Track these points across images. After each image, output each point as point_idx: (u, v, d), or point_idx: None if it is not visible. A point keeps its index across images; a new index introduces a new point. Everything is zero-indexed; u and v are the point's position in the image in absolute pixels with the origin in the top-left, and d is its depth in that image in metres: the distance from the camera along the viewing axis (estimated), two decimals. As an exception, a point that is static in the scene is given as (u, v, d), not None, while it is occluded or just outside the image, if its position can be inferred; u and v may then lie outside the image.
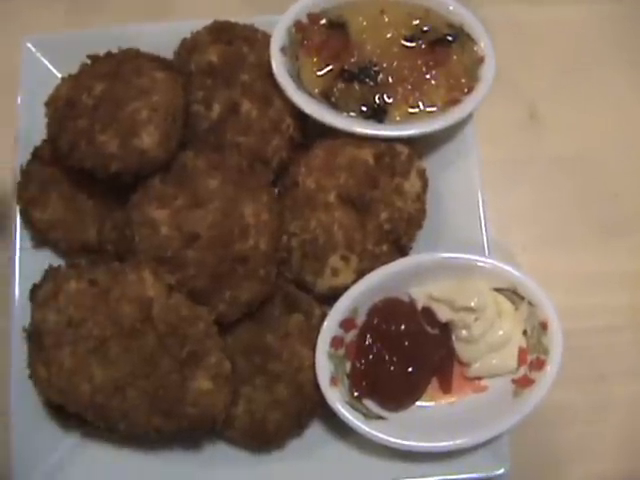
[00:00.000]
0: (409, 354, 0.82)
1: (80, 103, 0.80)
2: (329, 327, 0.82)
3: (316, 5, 0.89)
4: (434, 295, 0.84)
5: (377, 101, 0.88)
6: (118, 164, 0.79)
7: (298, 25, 0.89)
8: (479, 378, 0.84)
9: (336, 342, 0.83)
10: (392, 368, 0.82)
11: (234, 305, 0.80)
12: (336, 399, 0.81)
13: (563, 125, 1.04)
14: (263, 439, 0.82)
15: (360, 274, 0.83)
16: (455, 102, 0.88)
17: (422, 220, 0.87)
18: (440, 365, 0.84)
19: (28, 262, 0.86)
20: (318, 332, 0.82)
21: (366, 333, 0.83)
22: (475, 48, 0.89)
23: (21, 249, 0.87)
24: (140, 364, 0.75)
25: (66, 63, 0.88)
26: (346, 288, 0.83)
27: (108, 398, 0.75)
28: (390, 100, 0.88)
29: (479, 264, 0.84)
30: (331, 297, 0.83)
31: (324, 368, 0.81)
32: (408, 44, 0.89)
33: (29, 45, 0.91)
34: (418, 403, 0.84)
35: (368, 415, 0.82)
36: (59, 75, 0.89)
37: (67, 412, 0.78)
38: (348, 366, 0.83)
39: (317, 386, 0.81)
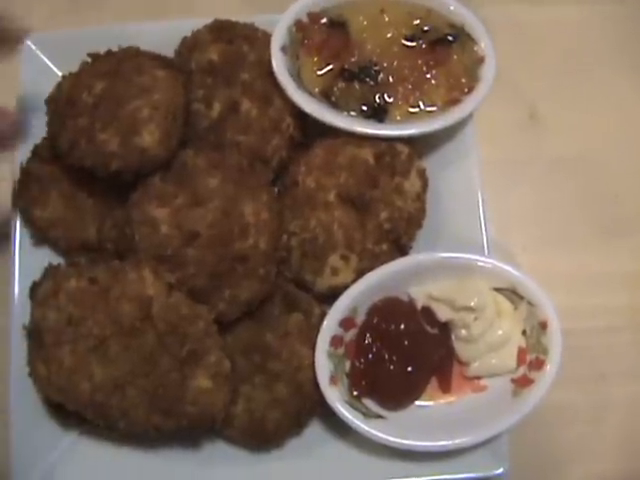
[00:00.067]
0: (409, 353, 0.82)
1: (80, 101, 0.80)
2: (329, 326, 0.82)
3: (316, 4, 0.89)
4: (434, 295, 0.84)
5: (377, 100, 0.88)
6: (118, 162, 0.79)
7: (298, 24, 0.89)
8: (478, 378, 0.84)
9: (336, 341, 0.83)
10: (391, 367, 0.82)
11: (234, 304, 0.80)
12: (335, 398, 0.81)
13: (564, 125, 1.04)
14: (262, 438, 0.82)
15: (360, 273, 0.83)
16: (455, 102, 0.88)
17: (422, 220, 0.87)
18: (439, 364, 0.84)
19: (28, 260, 0.86)
20: (318, 331, 0.82)
21: (366, 332, 0.83)
22: (475, 48, 0.89)
23: (21, 247, 0.86)
24: (140, 363, 0.75)
25: (66, 61, 0.88)
26: (346, 287, 0.83)
27: (108, 396, 0.75)
28: (390, 100, 0.88)
29: (479, 264, 0.84)
30: (331, 296, 0.83)
31: (323, 367, 0.81)
32: (408, 44, 0.89)
33: (29, 43, 0.90)
34: (417, 402, 0.84)
35: (367, 414, 0.82)
36: (59, 73, 0.89)
37: (66, 410, 0.78)
38: (347, 365, 0.83)
39: (316, 385, 0.81)
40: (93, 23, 1.03)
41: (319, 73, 0.88)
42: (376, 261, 0.83)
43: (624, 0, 1.11)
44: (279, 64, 0.86)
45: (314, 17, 0.89)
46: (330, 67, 0.88)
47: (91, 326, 0.76)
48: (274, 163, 0.87)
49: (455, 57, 0.88)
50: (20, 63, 0.90)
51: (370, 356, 0.83)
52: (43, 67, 0.90)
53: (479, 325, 0.82)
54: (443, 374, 0.84)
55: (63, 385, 0.76)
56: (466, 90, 0.88)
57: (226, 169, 0.82)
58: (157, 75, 0.82)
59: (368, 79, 0.88)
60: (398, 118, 0.88)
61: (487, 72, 0.87)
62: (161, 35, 0.90)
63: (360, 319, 0.84)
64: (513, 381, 0.83)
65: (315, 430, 0.84)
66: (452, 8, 0.89)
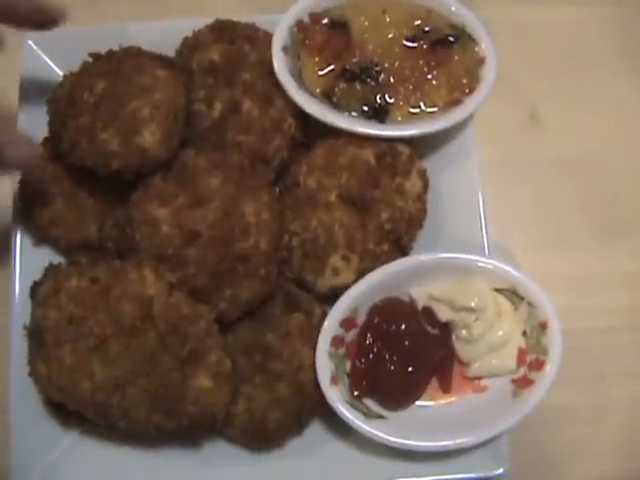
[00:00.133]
0: (409, 354, 0.82)
1: (81, 101, 0.80)
2: (330, 326, 0.82)
3: (318, 4, 0.89)
4: (434, 295, 0.84)
5: (378, 101, 0.88)
6: (119, 162, 0.79)
7: (300, 24, 0.89)
8: (479, 378, 0.84)
9: (336, 341, 0.83)
10: (392, 367, 0.82)
11: (235, 304, 0.80)
12: (336, 398, 0.81)
13: (564, 126, 1.04)
14: (263, 438, 0.81)
15: (361, 274, 0.83)
16: (456, 103, 0.88)
17: (423, 220, 0.87)
18: (440, 365, 0.84)
19: (28, 259, 0.86)
20: (319, 331, 0.82)
21: (366, 332, 0.83)
22: (476, 49, 0.89)
23: (21, 246, 0.86)
24: (140, 362, 0.75)
25: (67, 60, 0.88)
26: (347, 287, 0.83)
27: (108, 396, 0.75)
28: (391, 100, 0.88)
29: (479, 264, 0.84)
30: (332, 296, 0.83)
31: (324, 367, 0.81)
32: (410, 44, 0.89)
33: (30, 42, 0.90)
34: (418, 403, 0.84)
35: (368, 414, 0.82)
36: (60, 72, 0.89)
37: (67, 410, 0.78)
38: (348, 365, 0.83)
39: (317, 385, 0.81)
40: (94, 22, 1.02)
41: (320, 73, 0.88)
42: (377, 261, 0.83)
43: (622, 2, 1.11)
44: (280, 64, 0.86)
45: (315, 17, 0.89)
46: (331, 67, 0.88)
47: (92, 326, 0.76)
48: (275, 163, 0.87)
49: (456, 58, 0.89)
50: (21, 62, 0.90)
51: (371, 356, 0.83)
52: (44, 66, 0.90)
53: (479, 325, 0.83)
54: (444, 374, 0.84)
55: (64, 385, 0.76)
56: (467, 91, 0.88)
57: (227, 169, 0.82)
58: (158, 75, 0.82)
59: (369, 80, 0.88)
60: (399, 119, 0.88)
61: (488, 73, 0.88)
62: (162, 35, 0.89)
63: (361, 319, 0.84)
64: (513, 382, 0.83)
65: (316, 430, 0.84)
66: (453, 9, 0.89)
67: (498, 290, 0.84)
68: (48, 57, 0.91)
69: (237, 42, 0.88)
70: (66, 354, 0.76)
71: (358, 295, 0.82)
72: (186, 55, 0.88)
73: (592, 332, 0.96)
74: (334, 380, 0.82)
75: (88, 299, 0.77)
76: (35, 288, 0.80)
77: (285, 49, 0.87)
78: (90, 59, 0.84)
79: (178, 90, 0.82)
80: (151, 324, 0.76)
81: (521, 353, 0.83)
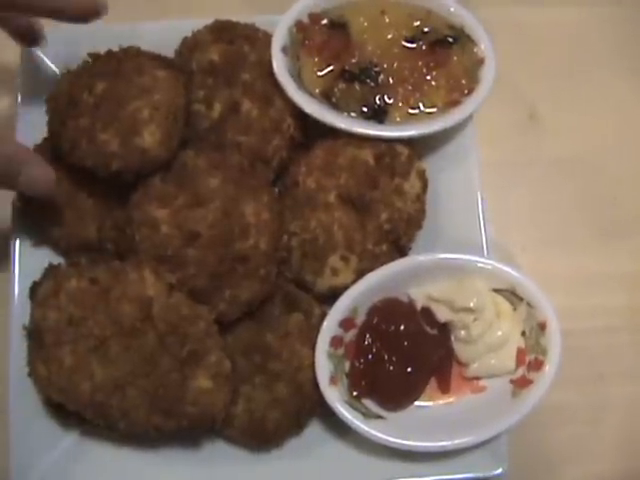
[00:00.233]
0: (408, 354, 0.82)
1: (81, 101, 0.80)
2: (329, 327, 0.82)
3: (317, 5, 0.89)
4: (433, 295, 0.84)
5: (377, 102, 0.88)
6: (119, 163, 0.79)
7: (299, 25, 0.89)
8: (478, 378, 0.84)
9: (335, 342, 0.83)
10: (391, 368, 0.82)
11: (234, 304, 0.80)
12: (335, 398, 0.81)
13: (563, 127, 1.04)
14: (262, 438, 0.82)
15: (360, 274, 0.83)
16: (455, 103, 0.88)
17: (422, 220, 0.87)
18: (439, 365, 0.84)
19: (28, 260, 0.85)
20: (318, 331, 0.82)
21: (365, 333, 0.83)
22: (475, 50, 0.89)
23: (21, 247, 0.86)
24: (140, 363, 0.75)
25: (66, 61, 0.88)
26: (346, 288, 0.83)
27: (108, 397, 0.75)
28: (390, 101, 0.88)
29: (478, 265, 0.84)
30: (331, 297, 0.84)
31: (323, 367, 0.81)
32: (409, 45, 0.89)
33: (30, 42, 0.90)
34: (417, 403, 0.84)
35: (367, 414, 0.82)
36: (59, 73, 0.89)
37: (67, 410, 0.78)
38: (347, 365, 0.83)
39: (316, 385, 0.81)
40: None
41: (319, 74, 0.88)
42: (376, 262, 0.84)
43: (622, 2, 1.11)
44: (280, 65, 0.86)
45: (315, 18, 0.89)
46: (331, 68, 0.88)
47: (91, 326, 0.76)
48: (274, 163, 0.87)
49: (455, 58, 0.89)
50: (20, 62, 0.90)
51: (370, 356, 0.83)
52: (43, 66, 0.90)
53: (478, 326, 0.83)
54: (442, 375, 0.84)
55: (63, 385, 0.76)
56: (466, 91, 0.88)
57: (227, 169, 0.82)
58: (158, 75, 0.82)
59: (368, 80, 0.88)
60: (398, 119, 0.88)
61: (487, 73, 0.88)
62: (161, 35, 0.89)
63: (360, 320, 0.84)
64: (512, 382, 0.83)
65: (315, 430, 0.84)
66: (452, 10, 0.89)
67: (497, 290, 0.84)
68: (47, 57, 0.90)
69: (236, 42, 0.88)
70: (66, 355, 0.76)
71: (357, 295, 0.83)
72: (185, 55, 0.88)
73: (591, 332, 0.97)
74: (333, 380, 0.82)
75: (88, 300, 0.77)
76: (34, 288, 0.80)
77: (284, 49, 0.87)
78: (89, 59, 0.84)
79: (178, 91, 0.82)
80: (151, 325, 0.76)
81: (520, 353, 0.83)
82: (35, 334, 0.78)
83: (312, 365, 0.81)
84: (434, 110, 0.88)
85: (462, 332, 0.83)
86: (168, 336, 0.76)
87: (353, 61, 0.88)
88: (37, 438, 0.82)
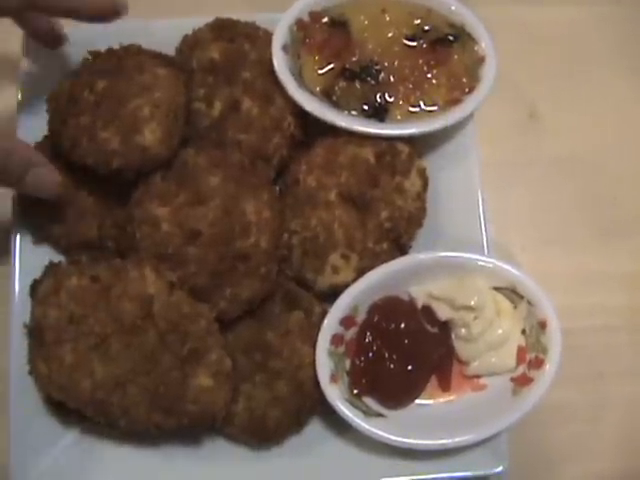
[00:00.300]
0: (409, 352, 0.82)
1: (82, 99, 0.80)
2: (329, 325, 0.82)
3: (318, 3, 0.89)
4: (434, 294, 0.84)
5: (378, 100, 0.88)
6: (120, 161, 0.79)
7: (300, 23, 0.89)
8: (478, 376, 0.84)
9: (336, 340, 0.83)
10: (392, 366, 0.82)
11: (235, 302, 0.80)
12: (336, 396, 0.81)
13: (563, 126, 1.04)
14: (263, 436, 0.82)
15: (360, 272, 0.83)
16: (456, 102, 0.88)
17: (422, 219, 0.87)
18: (439, 363, 0.84)
19: (28, 258, 0.85)
20: (318, 330, 0.82)
21: (366, 331, 0.83)
22: (476, 48, 0.89)
23: (21, 245, 0.86)
24: (141, 361, 0.75)
25: (67, 58, 0.88)
26: (346, 286, 0.83)
27: (108, 394, 0.75)
28: (391, 99, 0.88)
29: (479, 263, 0.84)
30: (331, 295, 0.84)
31: (324, 365, 0.81)
32: (409, 43, 0.89)
33: (30, 40, 0.90)
34: (417, 401, 0.84)
35: (368, 413, 0.82)
36: (60, 71, 0.89)
37: (67, 408, 0.78)
38: (348, 364, 0.84)
39: (317, 383, 0.81)
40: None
41: (320, 72, 0.88)
42: (376, 260, 0.84)
43: (621, 1, 1.11)
44: (280, 63, 0.86)
45: (315, 16, 0.89)
46: (331, 66, 0.88)
47: (92, 324, 0.76)
48: (275, 162, 0.87)
49: (456, 57, 0.89)
50: (21, 60, 0.90)
51: (370, 355, 0.83)
52: (44, 64, 0.90)
53: (479, 324, 0.83)
54: (443, 373, 0.84)
55: (64, 383, 0.76)
56: (467, 90, 0.88)
57: (227, 168, 0.82)
58: (158, 73, 0.82)
59: (369, 78, 0.88)
60: (399, 117, 0.88)
61: (488, 72, 0.88)
62: (162, 33, 0.89)
63: (360, 318, 0.84)
64: (513, 380, 0.83)
65: (315, 428, 0.85)
66: (453, 8, 0.90)
67: (497, 289, 0.84)
68: (48, 55, 0.90)
69: (237, 41, 0.88)
70: (66, 352, 0.76)
71: (358, 294, 0.83)
72: (186, 53, 0.88)
73: (590, 331, 0.97)
74: (334, 378, 0.82)
75: (88, 298, 0.77)
76: (35, 286, 0.80)
77: (285, 48, 0.87)
78: (90, 57, 0.84)
79: (178, 89, 0.82)
80: (151, 323, 0.76)
81: (520, 351, 0.84)
82: (36, 332, 0.78)
83: (313, 363, 0.81)
84: (435, 108, 0.88)
85: (463, 330, 0.83)
86: (169, 334, 0.76)
87: (354, 59, 0.88)
88: (37, 436, 0.82)
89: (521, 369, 0.83)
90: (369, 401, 0.83)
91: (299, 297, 0.84)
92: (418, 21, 0.90)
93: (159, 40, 0.87)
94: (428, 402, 0.84)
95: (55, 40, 0.88)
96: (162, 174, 0.82)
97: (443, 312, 0.84)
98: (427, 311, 0.85)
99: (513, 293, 0.84)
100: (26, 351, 0.79)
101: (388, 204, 0.84)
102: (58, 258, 0.84)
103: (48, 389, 0.77)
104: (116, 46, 0.85)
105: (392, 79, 0.88)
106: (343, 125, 0.85)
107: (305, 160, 0.86)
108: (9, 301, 0.84)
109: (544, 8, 1.10)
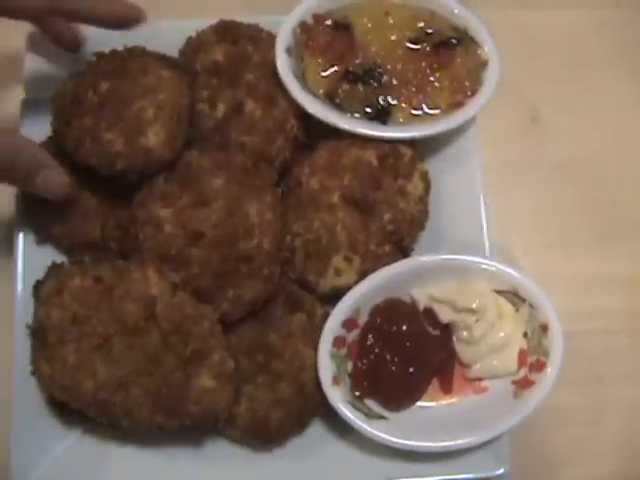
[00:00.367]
0: (410, 354, 0.83)
1: (86, 101, 0.80)
2: (331, 327, 0.82)
3: (321, 6, 0.89)
4: (436, 296, 0.84)
5: (381, 102, 0.88)
6: (123, 162, 0.79)
7: (303, 26, 0.89)
8: (480, 379, 0.84)
9: (338, 342, 0.83)
10: (393, 368, 0.82)
11: (237, 304, 0.80)
12: (338, 398, 0.81)
13: (565, 129, 1.04)
14: (264, 437, 0.82)
15: (362, 275, 0.83)
16: (458, 105, 0.88)
17: (424, 222, 0.87)
18: (441, 366, 0.84)
19: (31, 258, 0.85)
20: (320, 332, 0.82)
21: (368, 333, 0.84)
22: (479, 51, 0.89)
23: (24, 245, 0.86)
24: (144, 362, 0.75)
25: (71, 60, 0.88)
26: (349, 288, 0.83)
27: (111, 395, 0.75)
28: (394, 102, 0.88)
29: (481, 266, 0.84)
30: (334, 297, 0.84)
31: (326, 368, 0.81)
32: (412, 46, 0.89)
33: (34, 40, 0.90)
34: (419, 403, 0.84)
35: (369, 415, 0.82)
36: (64, 72, 0.89)
37: (70, 408, 0.78)
38: (350, 366, 0.84)
39: (319, 385, 0.81)
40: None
41: (323, 75, 0.89)
42: (379, 262, 0.84)
43: (621, 4, 1.12)
44: (283, 65, 0.86)
45: (319, 19, 0.89)
46: (334, 69, 0.89)
47: (95, 325, 0.76)
48: (278, 164, 0.87)
49: (459, 60, 0.89)
50: (24, 61, 0.90)
51: (372, 357, 0.83)
52: (48, 65, 0.90)
53: (480, 327, 0.83)
54: (444, 375, 0.84)
55: (67, 383, 0.76)
56: (469, 93, 0.88)
57: (230, 169, 0.82)
58: (162, 75, 0.82)
59: (372, 81, 0.88)
60: (401, 120, 0.88)
61: (490, 76, 0.88)
62: (166, 35, 0.90)
63: (362, 320, 0.84)
64: (514, 383, 0.83)
65: (317, 430, 0.85)
66: (456, 11, 0.90)
67: (499, 292, 0.85)
68: (52, 56, 0.90)
69: (240, 43, 0.88)
70: (69, 353, 0.76)
71: (360, 296, 0.83)
72: (190, 55, 0.88)
73: (590, 334, 0.97)
74: (335, 380, 0.82)
75: (91, 298, 0.77)
76: (38, 287, 0.80)
77: (288, 50, 0.87)
78: (94, 58, 0.84)
79: (182, 91, 0.82)
80: (154, 324, 0.76)
81: (522, 354, 0.84)
82: (38, 333, 0.78)
83: (315, 365, 0.81)
84: (437, 111, 0.88)
85: (464, 333, 0.83)
86: (172, 335, 0.76)
87: (357, 62, 0.88)
88: (40, 436, 0.82)
89: (522, 372, 0.83)
90: (371, 403, 0.83)
91: (301, 299, 0.84)
92: (421, 24, 0.90)
93: (163, 42, 0.87)
94: (430, 404, 0.84)
95: (75, 45, 0.89)
96: (165, 175, 0.82)
97: (445, 315, 0.84)
98: (429, 314, 0.85)
99: (515, 296, 0.84)
100: (29, 351, 0.79)
101: (391, 207, 0.84)
102: (61, 259, 0.84)
103: (51, 389, 0.78)
104: (120, 47, 0.85)
105: (395, 82, 0.88)
106: (346, 127, 0.86)
107: (308, 162, 0.86)
108: (12, 302, 0.84)
109: (545, 12, 1.10)
